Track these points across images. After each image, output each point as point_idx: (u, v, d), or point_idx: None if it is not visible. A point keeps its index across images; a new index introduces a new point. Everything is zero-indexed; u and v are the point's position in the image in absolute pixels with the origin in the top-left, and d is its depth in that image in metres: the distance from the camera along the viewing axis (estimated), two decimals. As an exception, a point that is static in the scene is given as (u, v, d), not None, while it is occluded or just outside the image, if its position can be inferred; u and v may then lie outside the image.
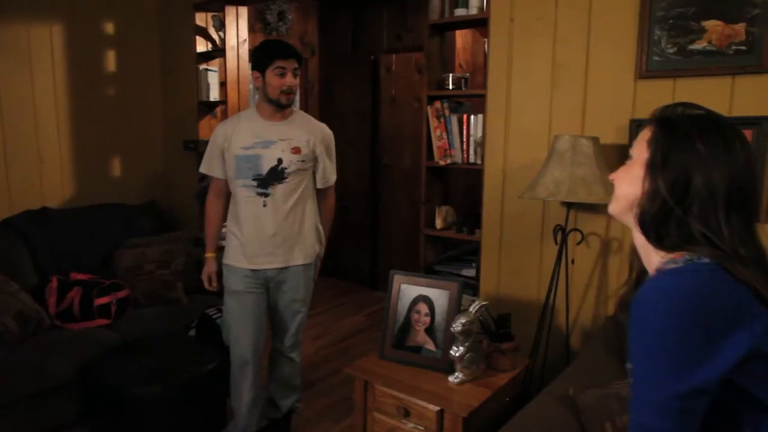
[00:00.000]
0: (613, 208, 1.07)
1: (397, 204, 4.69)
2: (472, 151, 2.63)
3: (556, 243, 2.28)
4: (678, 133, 0.96)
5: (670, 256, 0.94)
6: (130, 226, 3.37)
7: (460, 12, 2.68)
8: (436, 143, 2.72)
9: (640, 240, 1.02)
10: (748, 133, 1.99)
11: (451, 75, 2.72)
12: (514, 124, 2.47)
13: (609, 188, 2.02)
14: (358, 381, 2.22)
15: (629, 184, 1.01)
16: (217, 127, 2.37)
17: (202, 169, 2.40)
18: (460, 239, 2.79)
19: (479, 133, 2.60)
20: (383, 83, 4.63)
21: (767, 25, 1.94)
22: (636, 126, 2.17)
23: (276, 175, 2.25)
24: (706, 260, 0.89)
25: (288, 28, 4.51)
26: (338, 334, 3.94)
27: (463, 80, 2.72)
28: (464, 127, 2.64)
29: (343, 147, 4.84)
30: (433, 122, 2.71)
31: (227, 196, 2.40)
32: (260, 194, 2.25)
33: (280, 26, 4.44)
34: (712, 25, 2.04)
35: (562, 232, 2.24)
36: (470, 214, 2.81)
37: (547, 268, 2.38)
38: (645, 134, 1.01)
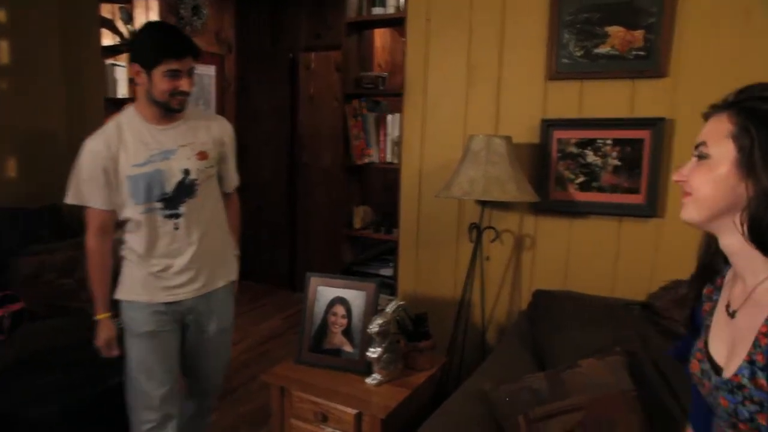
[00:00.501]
0: (693, 215, 0.96)
1: (315, 203, 4.63)
2: (389, 151, 2.63)
3: (471, 241, 2.31)
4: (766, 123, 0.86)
5: None
6: (29, 232, 3.11)
7: (377, 11, 2.67)
8: (353, 142, 2.69)
9: (738, 246, 0.91)
10: (645, 134, 2.10)
11: (368, 74, 2.70)
12: (431, 123, 2.48)
13: (521, 187, 2.07)
14: (275, 387, 2.15)
15: (716, 188, 0.90)
16: (87, 142, 1.80)
17: (72, 200, 1.82)
18: (378, 239, 2.78)
19: (396, 133, 2.60)
20: (302, 81, 4.56)
21: (662, 33, 2.05)
22: (547, 126, 2.24)
23: (185, 189, 1.85)
24: None
25: (203, 24, 4.35)
26: (257, 338, 3.83)
27: (380, 79, 2.71)
28: (381, 127, 2.63)
29: (261, 146, 4.76)
30: (351, 121, 2.68)
31: (113, 230, 1.90)
32: (169, 216, 1.85)
33: (195, 21, 4.26)
34: (614, 30, 2.13)
35: (477, 230, 2.27)
36: (388, 214, 2.81)
37: (464, 265, 2.41)
38: (722, 126, 0.91)
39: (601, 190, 2.21)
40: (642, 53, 2.09)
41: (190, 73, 1.78)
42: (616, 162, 2.17)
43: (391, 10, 2.62)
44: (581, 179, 2.23)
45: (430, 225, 2.53)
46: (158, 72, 1.72)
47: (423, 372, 2.16)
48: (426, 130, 2.49)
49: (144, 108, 1.82)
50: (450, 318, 2.39)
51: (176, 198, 1.84)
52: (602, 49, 2.15)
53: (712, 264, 1.03)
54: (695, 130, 2.01)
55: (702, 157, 0.93)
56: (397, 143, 2.59)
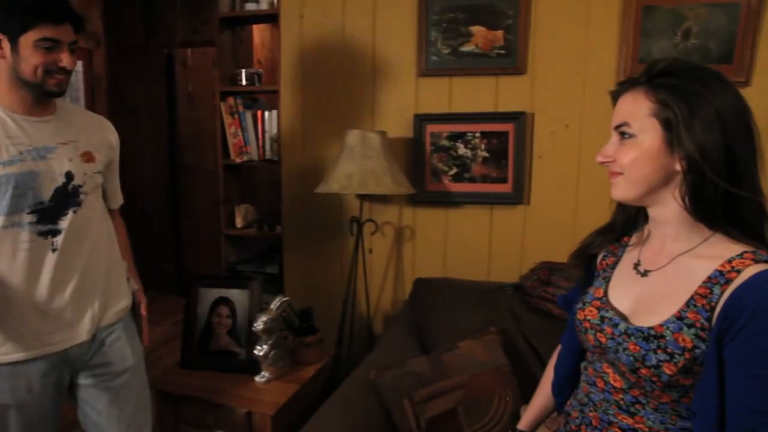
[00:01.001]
0: (627, 194, 0.97)
1: (201, 205, 4.48)
2: (268, 148, 2.61)
3: (352, 234, 2.36)
4: (687, 93, 0.89)
5: (744, 246, 0.90)
6: None
7: (250, 6, 2.63)
8: (231, 140, 2.64)
9: (671, 216, 0.95)
10: (509, 127, 2.26)
11: (244, 71, 2.66)
12: (309, 120, 2.50)
13: (397, 180, 2.14)
14: (160, 393, 2.08)
15: (648, 165, 0.93)
16: None
17: None
18: (262, 236, 2.75)
19: (275, 130, 2.59)
20: (179, 78, 4.38)
21: (519, 34, 2.21)
22: (420, 120, 2.33)
23: (67, 198, 1.44)
24: None
25: (64, 15, 4.04)
26: (147, 346, 3.65)
27: (256, 76, 2.68)
28: (259, 124, 2.60)
29: (139, 147, 4.52)
30: (227, 119, 2.63)
31: None
32: (45, 234, 1.40)
33: (55, 12, 3.95)
34: (477, 30, 2.26)
35: (357, 224, 2.33)
36: (271, 211, 2.79)
37: (348, 259, 2.45)
38: (641, 104, 0.93)
39: (472, 180, 2.34)
40: (503, 52, 2.24)
41: (71, 47, 1.39)
42: (485, 154, 2.31)
43: (264, 6, 2.60)
44: (454, 171, 2.35)
45: (313, 220, 2.55)
46: (27, 41, 1.31)
47: (312, 366, 2.19)
48: (304, 126, 2.51)
49: (9, 92, 1.37)
50: (337, 311, 2.43)
51: (56, 210, 1.42)
52: (467, 48, 2.28)
53: (626, 224, 1.09)
54: (550, 122, 2.21)
55: (627, 136, 0.95)
56: (276, 140, 2.58)
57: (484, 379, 1.82)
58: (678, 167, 0.91)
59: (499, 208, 2.34)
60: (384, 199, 2.43)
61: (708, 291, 0.88)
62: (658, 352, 0.90)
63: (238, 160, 2.64)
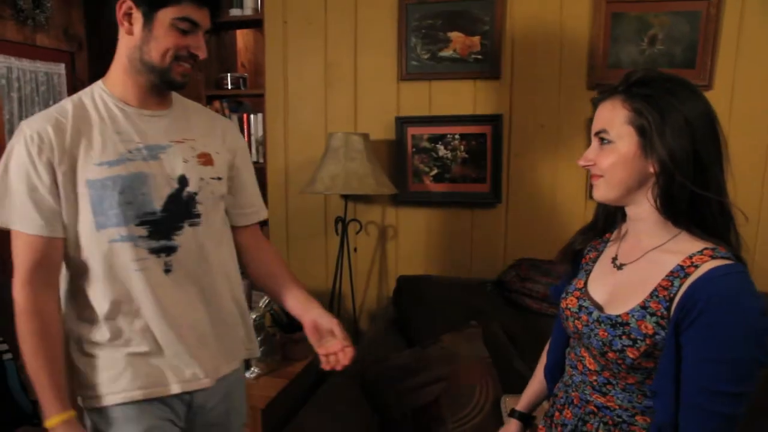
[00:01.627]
0: (607, 195, 1.05)
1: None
2: (254, 150, 2.67)
3: (337, 233, 2.44)
4: (659, 102, 0.97)
5: (705, 243, 0.97)
6: None
7: (235, 12, 2.70)
8: (218, 143, 2.70)
9: (645, 215, 1.03)
10: (487, 129, 2.35)
11: (229, 75, 2.72)
12: (293, 122, 2.57)
13: (380, 180, 2.23)
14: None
15: (625, 169, 1.00)
16: (23, 126, 1.13)
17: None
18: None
19: (260, 132, 2.66)
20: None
21: (495, 39, 2.30)
22: (401, 123, 2.42)
23: (182, 208, 1.21)
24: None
25: (47, 18, 4.04)
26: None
27: (241, 80, 2.74)
28: (245, 127, 2.67)
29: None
30: (214, 122, 2.68)
31: (58, 275, 1.18)
32: (157, 251, 1.18)
33: (38, 15, 3.94)
34: (455, 36, 2.36)
35: (342, 223, 2.40)
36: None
37: (333, 257, 2.53)
38: (619, 113, 1.01)
39: (453, 180, 2.43)
40: (480, 57, 2.34)
41: (204, 37, 1.20)
42: (464, 155, 2.41)
43: (248, 11, 2.66)
44: (435, 171, 2.44)
45: (299, 220, 2.63)
46: (165, 18, 1.12)
47: (300, 361, 2.27)
48: (288, 129, 2.58)
49: (125, 79, 1.19)
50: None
51: (169, 221, 1.19)
52: (446, 53, 2.37)
53: (606, 222, 1.18)
54: (525, 124, 2.31)
55: (606, 142, 1.02)
56: (262, 143, 2.65)
57: (466, 370, 1.90)
58: (652, 170, 0.98)
59: (479, 207, 2.44)
60: (367, 199, 2.51)
61: (669, 283, 0.97)
62: (623, 338, 0.99)
63: (224, 163, 2.70)
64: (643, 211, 1.03)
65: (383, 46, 2.43)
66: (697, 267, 0.94)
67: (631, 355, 0.98)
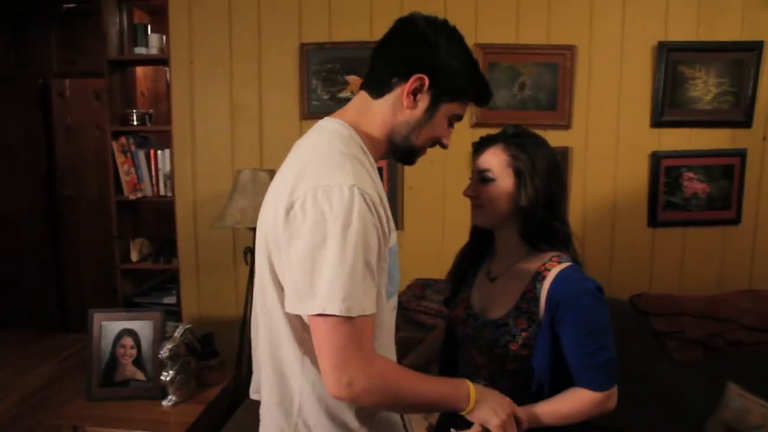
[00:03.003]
0: (487, 221, 1.31)
1: (85, 239, 4.42)
2: (162, 184, 2.76)
3: (247, 263, 2.58)
4: (529, 151, 1.25)
5: (552, 253, 1.27)
6: None
7: (140, 50, 2.78)
8: (124, 178, 2.76)
9: (508, 237, 1.32)
10: (383, 163, 2.61)
11: (135, 111, 2.79)
12: (201, 158, 2.69)
13: (287, 213, 2.41)
14: (66, 428, 2.16)
15: (505, 202, 1.26)
16: (354, 189, 0.97)
17: (353, 310, 0.94)
18: (158, 269, 2.88)
19: (168, 167, 2.75)
20: (57, 109, 4.32)
21: (389, 82, 2.57)
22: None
23: None
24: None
25: None
26: (27, 390, 3.55)
27: (147, 116, 2.82)
28: (152, 162, 2.75)
29: (12, 179, 4.38)
30: (120, 157, 2.75)
31: None
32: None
33: None
34: (352, 79, 2.60)
35: (251, 254, 2.55)
36: (166, 243, 2.93)
37: (242, 286, 2.67)
38: (501, 157, 1.27)
39: (353, 209, 2.66)
40: (374, 98, 2.59)
41: None
42: (363, 186, 2.64)
43: (154, 50, 2.75)
44: (337, 201, 2.66)
45: (208, 252, 2.74)
46: (448, 110, 1.13)
47: (216, 386, 2.38)
48: (196, 164, 2.69)
49: (373, 140, 1.13)
50: (236, 334, 2.63)
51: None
52: (344, 94, 2.61)
53: (480, 243, 1.44)
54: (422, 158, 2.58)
55: (488, 180, 1.28)
56: (170, 177, 2.74)
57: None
58: (522, 204, 1.25)
59: (378, 232, 2.67)
60: (275, 229, 2.68)
61: (532, 287, 1.26)
62: (505, 335, 1.26)
63: (132, 197, 2.76)
64: (510, 233, 1.31)
65: (286, 87, 2.62)
66: (549, 270, 1.25)
67: (513, 348, 1.26)
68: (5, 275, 4.46)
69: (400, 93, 1.09)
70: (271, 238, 1.03)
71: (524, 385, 1.27)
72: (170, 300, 2.88)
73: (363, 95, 1.15)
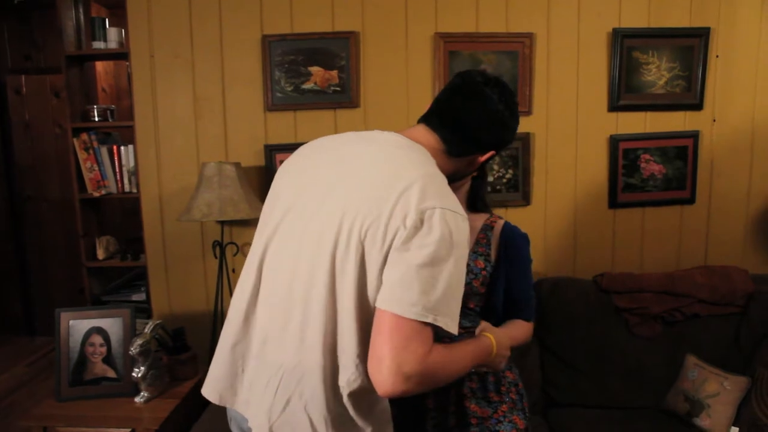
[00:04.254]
0: None
1: (50, 238, 4.32)
2: (126, 180, 2.73)
3: (216, 257, 2.58)
4: None
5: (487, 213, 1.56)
6: None
7: (98, 45, 2.73)
8: (87, 175, 2.73)
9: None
10: (350, 153, 2.63)
11: (96, 107, 2.75)
12: (165, 153, 2.66)
13: (253, 205, 2.42)
14: (36, 429, 2.14)
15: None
16: (459, 217, 1.14)
17: (450, 325, 1.08)
18: (125, 266, 2.86)
19: (132, 163, 2.72)
20: (13, 107, 4.20)
21: (351, 73, 2.59)
22: (269, 150, 2.62)
23: None
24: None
25: None
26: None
27: (109, 111, 2.78)
28: (115, 158, 2.72)
29: (-30, 181, 4.25)
30: (82, 155, 2.71)
31: None
32: None
33: None
34: (315, 70, 2.61)
35: (219, 247, 2.56)
36: (132, 240, 2.90)
37: (213, 279, 2.66)
38: None
39: (321, 200, 2.67)
40: (338, 89, 2.61)
41: None
42: (330, 176, 2.66)
43: (113, 44, 2.71)
44: (305, 192, 2.67)
45: (176, 246, 2.72)
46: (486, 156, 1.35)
47: (189, 380, 2.38)
48: (161, 159, 2.66)
49: None
50: (207, 328, 2.63)
51: None
52: (307, 85, 2.61)
53: None
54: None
55: None
56: (134, 173, 2.71)
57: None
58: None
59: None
60: (243, 222, 2.68)
61: (484, 234, 1.52)
62: (469, 275, 1.41)
63: (96, 194, 2.73)
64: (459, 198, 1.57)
65: (250, 80, 2.62)
66: (496, 222, 1.54)
67: (476, 284, 1.46)
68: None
69: (473, 158, 1.32)
70: (369, 232, 1.08)
71: (486, 320, 1.46)
72: (139, 297, 2.86)
73: (435, 140, 1.28)
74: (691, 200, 2.73)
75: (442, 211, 1.07)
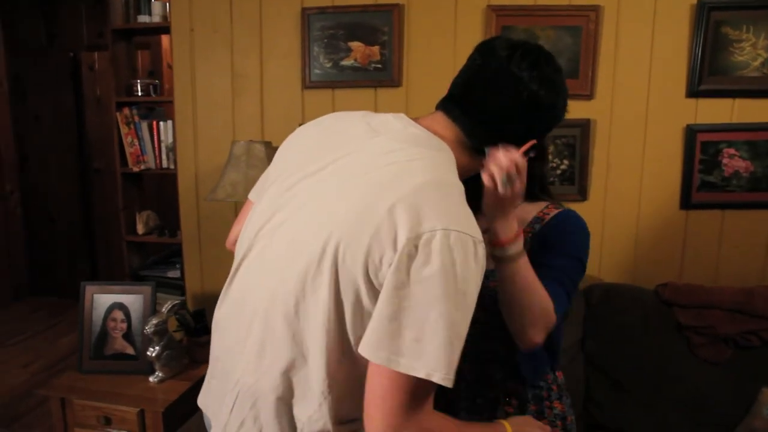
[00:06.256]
0: None
1: (115, 210, 4.47)
2: (164, 157, 2.71)
3: (242, 239, 2.49)
4: None
5: (548, 201, 1.32)
6: None
7: (143, 18, 2.71)
8: (128, 149, 2.73)
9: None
10: (387, 135, 2.45)
11: (139, 81, 2.74)
12: (202, 130, 2.61)
13: (281, 187, 2.30)
14: (54, 400, 2.17)
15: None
16: (470, 236, 0.91)
17: (448, 380, 0.85)
18: (163, 242, 2.85)
19: (170, 139, 2.69)
20: (86, 82, 4.36)
21: (394, 49, 2.40)
22: (305, 130, 2.49)
23: None
24: None
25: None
26: (53, 358, 3.65)
27: (152, 86, 2.76)
28: (154, 134, 2.69)
29: (46, 153, 4.48)
30: (124, 129, 2.71)
31: None
32: None
33: None
34: (356, 46, 2.44)
35: (247, 229, 2.46)
36: (172, 217, 2.88)
37: (243, 261, 2.58)
38: None
39: (356, 184, 2.52)
40: (380, 66, 2.43)
41: None
42: (367, 160, 2.49)
43: (156, 18, 2.68)
44: (339, 176, 2.52)
45: (211, 225, 2.67)
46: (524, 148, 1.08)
47: (205, 364, 2.31)
48: (198, 136, 2.61)
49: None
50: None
51: None
52: (347, 62, 2.45)
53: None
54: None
55: None
56: (172, 149, 2.68)
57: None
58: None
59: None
60: (276, 204, 2.58)
61: (530, 229, 1.26)
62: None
63: (135, 169, 2.73)
64: None
65: (288, 56, 2.49)
66: (548, 214, 1.28)
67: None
68: (44, 243, 4.60)
69: None
70: (347, 253, 0.86)
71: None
72: (174, 274, 2.84)
73: (456, 132, 1.03)
74: (784, 204, 2.33)
75: (444, 233, 0.83)
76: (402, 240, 0.83)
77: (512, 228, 1.07)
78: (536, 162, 1.19)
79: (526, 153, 1.04)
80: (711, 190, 2.34)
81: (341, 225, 0.88)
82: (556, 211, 1.27)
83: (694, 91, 2.29)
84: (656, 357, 2.08)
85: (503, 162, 0.98)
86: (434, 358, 0.82)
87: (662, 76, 2.31)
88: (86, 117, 4.41)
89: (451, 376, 0.84)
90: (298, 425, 0.97)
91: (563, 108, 1.07)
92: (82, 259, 4.60)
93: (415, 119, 1.04)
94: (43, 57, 4.40)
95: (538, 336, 1.09)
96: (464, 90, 1.05)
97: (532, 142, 1.04)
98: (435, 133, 1.01)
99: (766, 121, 2.28)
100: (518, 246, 1.07)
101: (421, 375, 0.82)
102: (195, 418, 1.93)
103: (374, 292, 0.86)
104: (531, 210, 1.28)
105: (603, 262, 2.41)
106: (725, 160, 2.32)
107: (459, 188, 0.94)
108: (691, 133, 2.31)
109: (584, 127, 2.34)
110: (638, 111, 2.34)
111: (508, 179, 0.99)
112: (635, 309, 2.16)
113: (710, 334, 2.05)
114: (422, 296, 0.82)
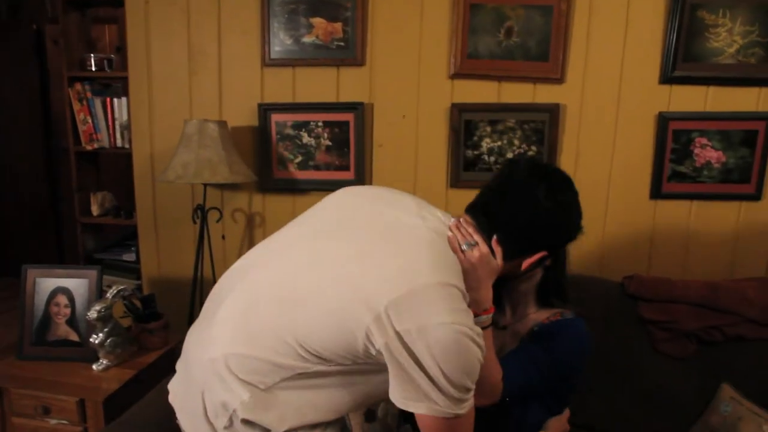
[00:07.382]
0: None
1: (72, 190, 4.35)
2: (119, 135, 2.59)
3: (195, 222, 2.40)
4: None
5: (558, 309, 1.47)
6: None
7: (97, -11, 2.58)
8: (81, 127, 2.61)
9: (528, 291, 1.48)
10: (350, 116, 2.35)
11: (93, 56, 2.61)
12: (158, 108, 2.49)
13: (234, 168, 2.20)
14: (-8, 387, 2.07)
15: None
16: (466, 329, 1.11)
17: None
18: (119, 224, 2.74)
19: (125, 117, 2.57)
20: (51, 57, 4.19)
21: (357, 26, 2.29)
22: (264, 110, 2.38)
23: None
24: None
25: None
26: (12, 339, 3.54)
27: (106, 61, 2.63)
28: (108, 111, 2.57)
29: (9, 130, 4.32)
30: (76, 105, 2.58)
31: None
32: None
33: None
34: (318, 22, 2.33)
35: (201, 211, 2.36)
36: (128, 198, 2.77)
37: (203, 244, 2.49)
38: None
39: (317, 168, 2.42)
40: (342, 44, 2.32)
41: None
42: (328, 142, 2.40)
43: (111, -12, 2.55)
44: (299, 159, 2.43)
45: (166, 207, 2.57)
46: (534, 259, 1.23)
47: (156, 351, 2.23)
48: (153, 114, 2.49)
49: None
50: (188, 296, 2.47)
51: None
52: (308, 39, 2.34)
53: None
54: (388, 112, 2.31)
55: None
56: (127, 128, 2.56)
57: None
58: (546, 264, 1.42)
59: (347, 194, 2.43)
60: (234, 186, 2.48)
61: (530, 329, 1.42)
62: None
63: (88, 147, 2.61)
64: (528, 287, 1.46)
65: (247, 31, 2.38)
66: (550, 319, 1.43)
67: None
68: (11, 223, 4.46)
69: (519, 261, 1.22)
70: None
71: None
72: (130, 257, 2.74)
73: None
74: (756, 196, 2.25)
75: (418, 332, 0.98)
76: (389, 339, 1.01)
77: (481, 305, 1.19)
78: (550, 271, 1.42)
79: (540, 262, 1.22)
80: (682, 180, 2.27)
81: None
82: (561, 318, 1.41)
83: (668, 77, 2.20)
84: (617, 352, 2.01)
85: (462, 231, 1.15)
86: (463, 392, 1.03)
87: (636, 61, 2.22)
88: (51, 93, 4.25)
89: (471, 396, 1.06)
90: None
91: (572, 225, 1.21)
92: (50, 238, 4.48)
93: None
94: (5, 30, 4.22)
95: (480, 400, 1.13)
96: (487, 199, 1.21)
97: (543, 253, 1.20)
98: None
99: (739, 110, 2.21)
100: (484, 321, 1.19)
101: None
102: (138, 407, 1.84)
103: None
104: (542, 315, 1.43)
105: (571, 253, 2.34)
106: (697, 150, 2.25)
107: (455, 294, 1.05)
108: (663, 120, 2.23)
109: (553, 112, 2.25)
110: (610, 97, 2.25)
111: (468, 245, 1.13)
112: (598, 302, 2.08)
113: (674, 329, 1.99)
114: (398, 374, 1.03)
